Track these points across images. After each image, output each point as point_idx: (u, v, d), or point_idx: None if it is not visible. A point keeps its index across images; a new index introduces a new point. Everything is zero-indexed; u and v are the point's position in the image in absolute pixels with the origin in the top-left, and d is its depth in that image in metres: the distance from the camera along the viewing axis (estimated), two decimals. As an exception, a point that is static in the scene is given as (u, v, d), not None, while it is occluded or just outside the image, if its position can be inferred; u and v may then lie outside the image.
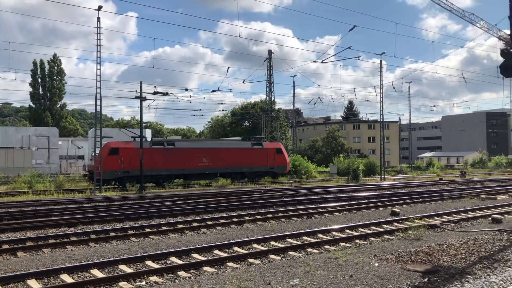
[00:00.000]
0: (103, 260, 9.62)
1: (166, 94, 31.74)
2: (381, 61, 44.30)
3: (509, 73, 12.11)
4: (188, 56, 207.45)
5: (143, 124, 33.39)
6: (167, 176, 35.08)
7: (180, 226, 14.32)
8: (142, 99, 30.90)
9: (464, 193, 24.24)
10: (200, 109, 65.20)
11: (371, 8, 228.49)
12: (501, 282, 7.77)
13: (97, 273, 8.73)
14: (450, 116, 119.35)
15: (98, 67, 30.91)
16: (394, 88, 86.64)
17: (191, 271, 8.90)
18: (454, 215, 16.44)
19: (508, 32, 12.37)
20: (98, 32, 30.63)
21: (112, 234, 12.97)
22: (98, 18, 30.84)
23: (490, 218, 14.96)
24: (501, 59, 11.89)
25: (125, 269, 9.05)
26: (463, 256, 9.74)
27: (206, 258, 9.82)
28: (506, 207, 18.14)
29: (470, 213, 16.96)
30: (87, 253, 10.58)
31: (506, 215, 15.87)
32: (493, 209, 17.80)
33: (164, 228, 13.94)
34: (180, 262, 9.59)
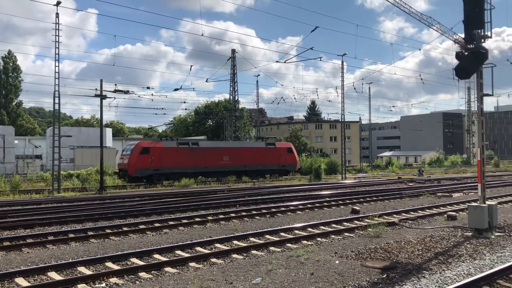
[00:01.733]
0: (61, 262, 9.37)
1: (127, 92, 31.17)
2: (342, 62, 45.05)
3: (464, 75, 12.54)
4: (149, 54, 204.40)
5: (103, 123, 32.67)
6: (192, 174, 37.09)
7: (142, 226, 14.12)
8: (102, 97, 30.23)
9: (422, 191, 24.98)
10: (163, 108, 64.27)
11: (332, 9, 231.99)
12: (455, 276, 8.06)
13: (55, 276, 8.50)
14: (408, 117, 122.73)
15: (57, 64, 29.98)
16: (355, 88, 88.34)
17: (153, 272, 8.79)
18: (412, 212, 16.92)
19: (463, 35, 12.83)
20: (57, 28, 29.73)
21: (71, 235, 12.65)
22: (57, 14, 29.93)
23: (445, 215, 15.49)
24: (456, 62, 12.31)
25: (84, 271, 8.85)
26: (420, 253, 10.05)
27: (167, 259, 9.72)
28: (461, 205, 18.82)
29: (427, 210, 17.49)
30: (44, 255, 10.28)
31: (460, 212, 16.47)
32: (448, 207, 18.43)
33: (125, 228, 13.71)
34: (141, 263, 9.46)
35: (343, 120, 46.02)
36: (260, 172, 41.77)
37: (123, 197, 23.59)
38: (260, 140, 50.02)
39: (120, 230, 13.40)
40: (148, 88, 59.61)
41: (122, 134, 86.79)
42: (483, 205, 11.93)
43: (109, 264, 9.34)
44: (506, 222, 13.86)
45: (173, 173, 35.85)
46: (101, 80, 30.13)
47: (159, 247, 10.76)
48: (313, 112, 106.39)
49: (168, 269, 8.96)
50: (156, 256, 10.08)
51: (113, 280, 8.21)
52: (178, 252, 10.48)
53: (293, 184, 34.21)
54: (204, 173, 38.82)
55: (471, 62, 11.97)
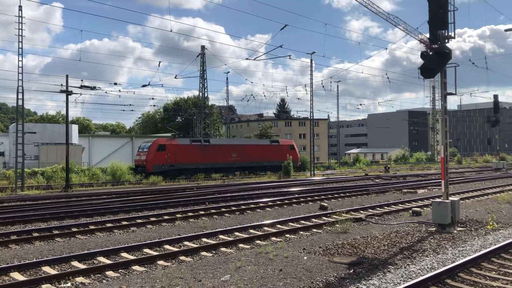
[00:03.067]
0: (25, 262, 9.14)
1: (93, 88, 30.58)
2: (311, 60, 45.45)
3: (429, 74, 12.86)
4: (117, 50, 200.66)
5: (69, 119, 31.95)
6: (203, 170, 39.79)
7: (109, 225, 13.90)
8: (68, 93, 29.53)
9: (388, 187, 25.51)
10: (130, 104, 63.54)
11: (301, 8, 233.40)
12: (419, 271, 8.29)
13: (18, 276, 8.28)
14: (375, 115, 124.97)
15: (20, 59, 29.11)
16: (323, 87, 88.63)
17: (120, 270, 8.68)
18: (378, 208, 17.27)
19: (428, 35, 13.14)
20: (20, 22, 28.84)
21: (35, 234, 12.34)
22: (20, 6, 29.03)
23: (411, 211, 15.86)
24: (421, 61, 12.61)
25: (49, 270, 8.65)
26: (386, 248, 10.27)
27: (135, 257, 9.62)
28: (425, 201, 19.31)
29: (393, 206, 17.89)
30: (7, 256, 9.99)
31: (425, 208, 16.90)
32: (413, 203, 18.89)
33: (92, 227, 13.47)
34: (108, 261, 9.32)
35: (312, 117, 46.46)
36: (265, 168, 44.23)
37: (89, 195, 23.16)
38: (265, 137, 52.66)
39: (86, 228, 13.17)
40: (115, 84, 58.81)
41: (88, 131, 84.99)
42: (446, 201, 12.28)
43: (75, 263, 9.17)
44: (468, 217, 14.32)
45: (186, 168, 38.51)
46: (67, 76, 29.46)
47: (126, 245, 10.63)
48: (282, 110, 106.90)
49: (136, 267, 8.87)
50: (124, 254, 9.95)
51: (79, 279, 8.06)
52: (146, 250, 10.38)
53: (262, 181, 34.34)
54: (214, 169, 41.09)
55: (435, 61, 12.29)
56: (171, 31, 24.90)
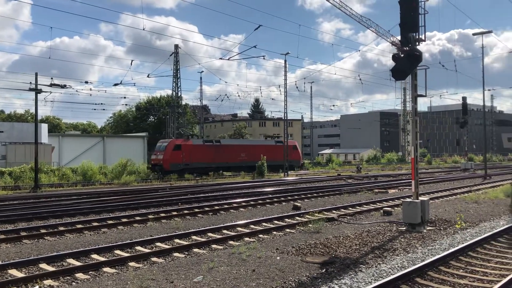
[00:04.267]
0: (-10, 265, 8.86)
1: (64, 86, 29.90)
2: (285, 61, 45.84)
3: (400, 76, 13.08)
4: (88, 48, 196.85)
5: (39, 118, 31.21)
6: (215, 168, 42.32)
7: (79, 226, 13.64)
8: (37, 91, 28.85)
9: (360, 187, 25.85)
10: (102, 103, 62.17)
11: (275, 9, 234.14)
12: (390, 270, 8.42)
13: (-17, 280, 8.02)
14: (347, 115, 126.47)
15: (-14, 55, 28.28)
16: (297, 87, 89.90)
17: (90, 272, 8.52)
18: (350, 208, 17.47)
19: (399, 38, 13.37)
20: (-14, 16, 28.01)
21: (1, 236, 11.98)
22: (-14, 1, 28.22)
23: (382, 211, 16.12)
24: (392, 63, 12.82)
25: (16, 273, 8.42)
26: (358, 247, 10.39)
27: (106, 259, 9.46)
28: (396, 200, 19.65)
29: (365, 206, 18.13)
30: (-29, 259, 9.67)
31: (395, 208, 17.20)
32: (384, 202, 19.19)
33: (61, 228, 13.20)
34: (78, 263, 9.14)
35: (286, 118, 46.68)
36: (271, 167, 45.67)
37: (59, 195, 22.66)
38: (270, 138, 54.73)
39: (55, 230, 12.88)
40: (86, 82, 57.72)
41: (58, 130, 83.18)
42: (416, 200, 12.52)
43: (44, 266, 8.95)
44: (437, 217, 14.63)
45: (200, 167, 40.93)
46: (36, 74, 28.79)
47: (97, 247, 10.45)
48: (256, 110, 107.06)
49: (106, 269, 8.72)
50: (94, 256, 9.77)
51: (48, 282, 7.88)
52: (118, 251, 10.22)
53: (236, 181, 34.30)
54: (225, 167, 44.10)
55: (406, 64, 12.51)
56: (143, 29, 24.65)
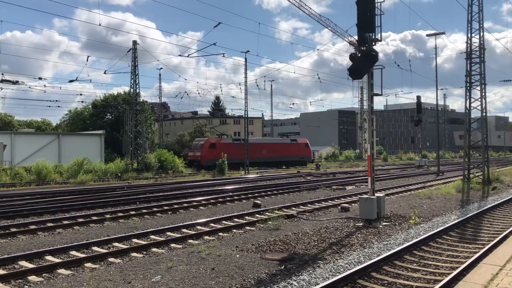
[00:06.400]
0: None
1: (15, 82, 28.85)
2: (246, 59, 45.73)
3: (357, 75, 13.37)
4: (41, 43, 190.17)
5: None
6: (242, 164, 45.24)
7: (32, 227, 13.19)
8: (-13, 87, 27.64)
9: (318, 184, 26.24)
10: (57, 100, 60.28)
11: (234, 6, 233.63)
12: (347, 265, 8.60)
13: None
14: (307, 114, 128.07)
15: None
16: (257, 85, 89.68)
17: (44, 275, 8.26)
18: (309, 205, 17.72)
19: (356, 38, 13.64)
20: None
21: None
22: None
23: (339, 207, 16.43)
24: (348, 62, 13.09)
25: (-36, 278, 8.05)
26: (316, 243, 10.56)
27: (61, 260, 9.20)
28: (353, 197, 20.08)
29: (323, 203, 18.42)
30: None
31: (353, 204, 17.58)
32: (342, 199, 19.58)
33: (13, 229, 12.70)
34: (31, 266, 8.84)
35: (246, 116, 46.75)
36: (287, 163, 51.77)
37: (11, 195, 21.79)
38: (285, 137, 59.97)
39: (7, 231, 12.38)
40: (40, 78, 55.30)
41: (11, 128, 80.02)
42: (373, 197, 12.84)
43: (-6, 269, 8.60)
44: (392, 212, 15.06)
45: (230, 163, 43.86)
46: (-14, 68, 27.55)
47: (51, 248, 10.14)
48: (217, 108, 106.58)
49: (61, 271, 8.48)
50: (49, 257, 9.48)
51: (-2, 286, 7.58)
52: (73, 252, 9.96)
53: (196, 179, 34.06)
54: (250, 163, 46.95)
55: (363, 63, 12.80)
56: (99, 25, 23.91)
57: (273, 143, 55.27)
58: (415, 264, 8.82)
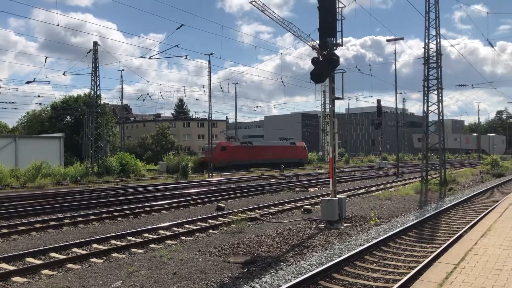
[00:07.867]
0: None
1: (-31, 83, 27.66)
2: (209, 61, 45.50)
3: (319, 79, 13.56)
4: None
5: None
6: (249, 165, 51.02)
7: (-14, 233, 12.66)
8: None
9: (282, 186, 26.42)
10: (13, 102, 58.16)
11: (196, 9, 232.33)
12: (309, 266, 8.69)
13: None
14: (271, 116, 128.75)
15: None
16: (221, 88, 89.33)
17: (-3, 283, 7.95)
18: (272, 207, 17.81)
19: (318, 42, 13.83)
20: None
21: None
22: None
23: (302, 209, 16.59)
24: (310, 66, 13.24)
25: None
26: (279, 245, 10.62)
27: (16, 267, 8.88)
28: (316, 199, 20.31)
29: (286, 205, 18.56)
30: None
31: (315, 206, 17.78)
32: (305, 201, 19.78)
33: (-35, 237, 12.17)
34: (-17, 274, 8.48)
35: (210, 118, 46.55)
36: (287, 164, 54.67)
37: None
38: (285, 140, 63.79)
39: (-42, 239, 11.86)
40: (-5, 79, 53.41)
41: (-37, 130, 76.65)
42: (334, 198, 13.03)
43: None
44: (354, 214, 15.33)
45: (239, 164, 49.53)
46: None
47: (6, 255, 9.76)
48: (181, 110, 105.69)
49: (16, 278, 8.19)
50: (2, 265, 9.13)
51: None
52: (29, 259, 9.63)
53: (159, 183, 33.62)
54: (255, 164, 53.20)
55: (325, 67, 12.98)
56: (58, 25, 23.31)
57: (275, 146, 59.44)
58: (375, 264, 9.01)
